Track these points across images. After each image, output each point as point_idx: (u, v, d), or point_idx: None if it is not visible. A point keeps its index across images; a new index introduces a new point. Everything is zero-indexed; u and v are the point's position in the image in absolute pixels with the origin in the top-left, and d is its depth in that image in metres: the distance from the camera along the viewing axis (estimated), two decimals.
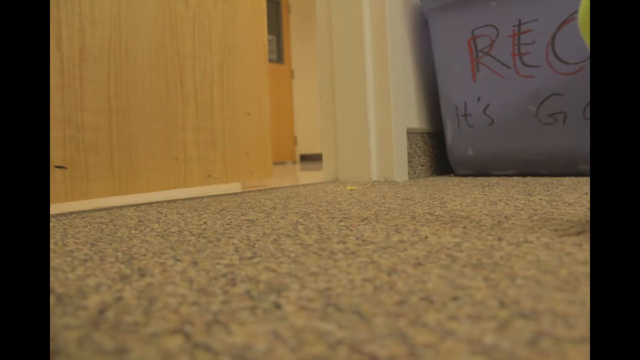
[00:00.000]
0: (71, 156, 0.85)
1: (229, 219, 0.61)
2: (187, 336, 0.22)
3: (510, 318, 0.23)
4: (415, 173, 1.31)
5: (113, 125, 0.93)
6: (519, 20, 1.14)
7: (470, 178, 1.21)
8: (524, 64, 1.14)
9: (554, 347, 0.19)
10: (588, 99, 1.07)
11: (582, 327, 0.21)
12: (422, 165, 1.34)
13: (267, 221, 0.58)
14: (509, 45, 1.16)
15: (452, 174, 1.43)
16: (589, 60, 1.05)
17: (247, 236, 0.48)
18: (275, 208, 0.71)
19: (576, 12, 1.06)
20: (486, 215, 0.56)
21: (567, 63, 1.08)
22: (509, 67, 1.17)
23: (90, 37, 0.89)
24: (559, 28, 1.09)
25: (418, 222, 0.53)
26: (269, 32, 4.65)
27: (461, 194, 0.81)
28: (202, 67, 1.12)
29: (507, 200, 0.69)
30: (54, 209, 0.87)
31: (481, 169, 1.26)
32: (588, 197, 0.68)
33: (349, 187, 1.02)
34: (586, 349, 0.19)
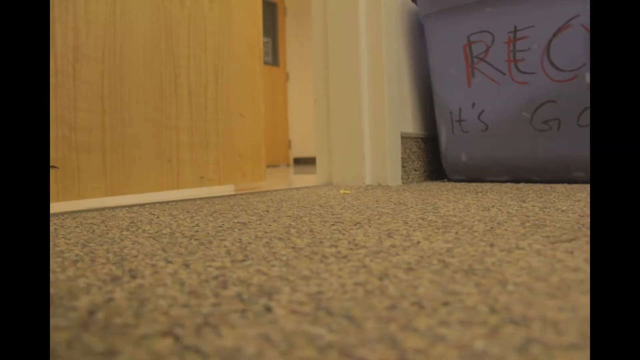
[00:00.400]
0: (63, 156, 0.85)
1: (221, 222, 0.60)
2: (177, 338, 0.22)
3: (501, 324, 0.23)
4: (408, 178, 1.31)
5: (106, 125, 0.92)
6: (515, 27, 1.15)
7: (463, 183, 1.21)
8: (519, 71, 1.15)
9: (543, 353, 0.20)
10: (582, 106, 1.07)
11: (572, 334, 0.21)
12: (415, 170, 1.35)
13: (259, 224, 0.58)
14: (504, 51, 1.17)
15: (445, 179, 1.43)
16: (583, 68, 1.06)
17: (239, 239, 0.48)
18: (267, 211, 0.70)
19: (571, 19, 1.07)
20: (479, 221, 0.56)
21: (562, 70, 1.09)
22: (504, 74, 1.17)
23: (85, 36, 0.89)
24: (554, 35, 1.09)
25: (410, 227, 0.53)
26: (265, 35, 4.66)
27: (454, 199, 0.81)
28: (197, 68, 1.12)
29: (500, 206, 0.70)
30: None
31: (475, 175, 1.26)
32: (581, 204, 0.69)
33: (342, 191, 1.02)
34: (576, 355, 0.19)
